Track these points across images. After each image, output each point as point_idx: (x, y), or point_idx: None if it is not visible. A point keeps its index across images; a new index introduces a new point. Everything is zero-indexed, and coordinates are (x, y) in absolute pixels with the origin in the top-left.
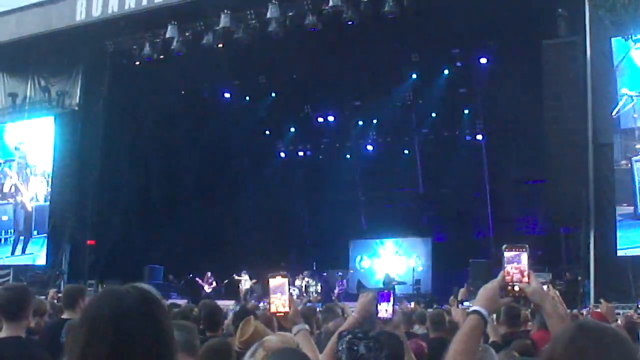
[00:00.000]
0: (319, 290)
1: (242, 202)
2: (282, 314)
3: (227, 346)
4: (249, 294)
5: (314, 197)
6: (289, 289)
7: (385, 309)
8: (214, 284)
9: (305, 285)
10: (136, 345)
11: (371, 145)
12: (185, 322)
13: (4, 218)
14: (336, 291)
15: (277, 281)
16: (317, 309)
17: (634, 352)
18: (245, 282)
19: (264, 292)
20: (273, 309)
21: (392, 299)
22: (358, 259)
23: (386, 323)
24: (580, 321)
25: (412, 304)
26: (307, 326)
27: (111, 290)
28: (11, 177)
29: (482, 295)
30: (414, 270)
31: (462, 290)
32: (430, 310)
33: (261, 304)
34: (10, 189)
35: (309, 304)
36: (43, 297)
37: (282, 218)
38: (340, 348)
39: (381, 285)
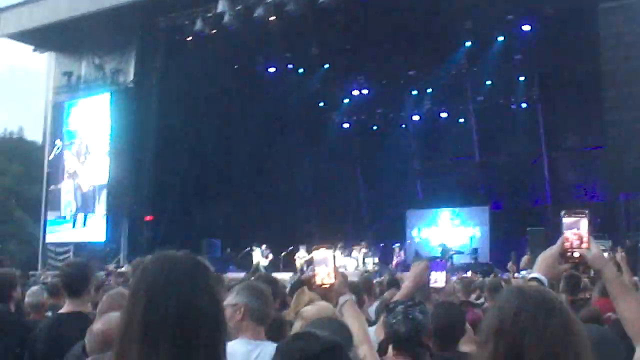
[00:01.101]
0: (376, 262)
1: (297, 175)
2: (328, 286)
3: (280, 319)
4: (305, 266)
5: (369, 167)
6: (335, 260)
7: (437, 278)
8: (270, 256)
9: (363, 257)
10: (199, 309)
11: (426, 114)
12: (263, 287)
13: (68, 197)
14: (394, 262)
15: (321, 253)
16: (374, 281)
17: (575, 317)
18: (301, 256)
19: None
20: (318, 281)
21: (445, 267)
22: (415, 229)
23: (439, 292)
24: (521, 289)
25: (469, 272)
26: (353, 296)
27: (165, 256)
28: (71, 158)
29: (541, 262)
30: (471, 239)
31: (524, 258)
32: (488, 278)
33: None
34: (70, 169)
35: (366, 275)
36: (103, 272)
37: (337, 190)
38: (394, 320)
39: (439, 256)
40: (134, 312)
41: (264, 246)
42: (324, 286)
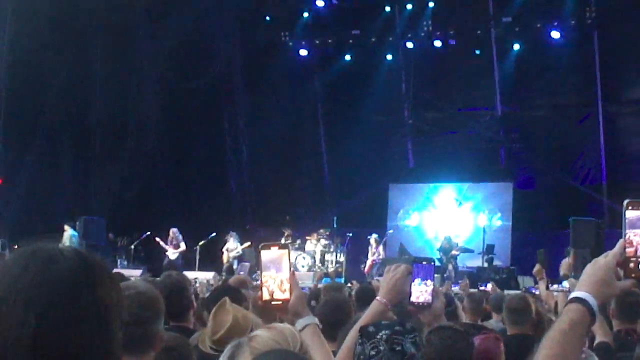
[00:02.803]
0: (342, 260)
1: (228, 129)
2: (280, 303)
3: (184, 347)
4: (236, 264)
5: (336, 119)
6: (292, 261)
7: (422, 290)
8: (182, 246)
9: (322, 252)
10: (68, 335)
11: (424, 40)
12: (150, 293)
13: None
14: (368, 261)
15: (271, 254)
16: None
17: None
18: (231, 248)
19: (258, 261)
20: (266, 295)
21: (432, 275)
22: (401, 212)
23: (422, 311)
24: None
25: (489, 285)
26: (316, 319)
27: (33, 251)
28: None
29: (589, 275)
30: (484, 231)
31: (564, 262)
32: (508, 292)
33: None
34: None
35: (325, 281)
36: None
37: (288, 152)
38: (374, 352)
39: (437, 254)
40: None
41: (174, 231)
42: (274, 303)
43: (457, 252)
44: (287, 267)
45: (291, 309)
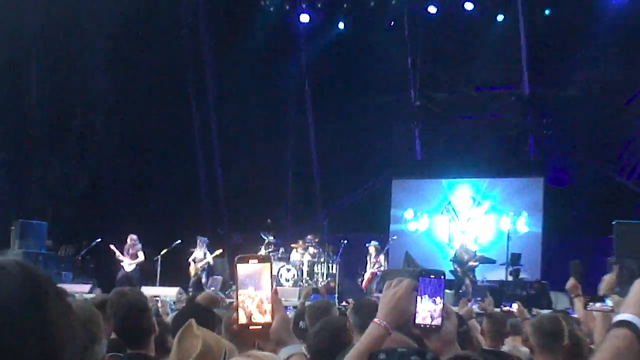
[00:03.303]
0: (334, 272)
1: (194, 110)
2: (259, 327)
3: None
4: (205, 278)
5: (327, 101)
6: (274, 275)
7: (430, 309)
8: (141, 256)
9: (310, 263)
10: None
11: (436, 4)
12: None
13: None
14: (366, 274)
15: (249, 268)
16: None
17: None
18: (199, 258)
19: (233, 276)
20: (242, 317)
21: (441, 292)
22: (407, 214)
23: (430, 335)
24: None
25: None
26: (303, 347)
27: None
28: None
29: (638, 293)
30: (509, 237)
31: (606, 278)
32: (538, 312)
33: (231, 293)
34: None
35: (314, 298)
36: None
37: (267, 140)
38: None
39: (451, 265)
40: None
41: (133, 237)
42: (253, 328)
43: (475, 263)
44: (268, 284)
45: (273, 334)
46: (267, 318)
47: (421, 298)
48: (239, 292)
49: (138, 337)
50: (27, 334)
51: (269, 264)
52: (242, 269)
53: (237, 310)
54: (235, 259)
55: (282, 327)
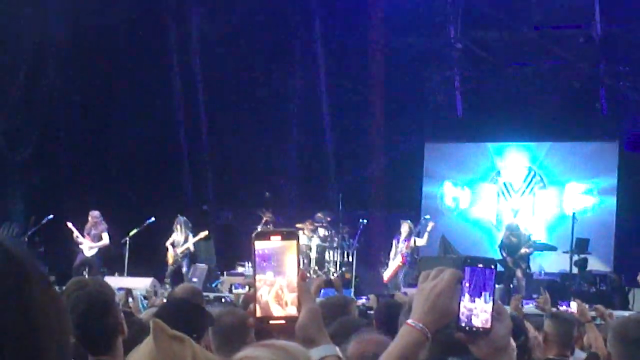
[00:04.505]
0: (350, 260)
1: (175, 55)
2: (282, 321)
3: None
4: (186, 265)
5: (343, 43)
6: (300, 259)
7: (477, 308)
8: (105, 238)
9: (320, 249)
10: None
11: None
12: None
13: None
14: (392, 262)
15: (270, 247)
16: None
17: None
18: (179, 241)
19: (226, 264)
20: (259, 311)
21: (492, 286)
22: (446, 188)
23: (477, 339)
24: None
25: (573, 304)
26: (337, 349)
27: None
28: None
29: None
30: (574, 217)
31: None
32: (612, 314)
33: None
34: None
35: (326, 293)
36: None
37: (267, 92)
38: None
39: (499, 253)
40: None
41: (95, 215)
42: (274, 322)
43: (529, 250)
44: (293, 268)
45: (300, 331)
46: (292, 310)
47: (466, 293)
48: (257, 277)
49: (101, 341)
50: (8, 327)
51: (295, 242)
52: (261, 248)
53: (255, 300)
54: (253, 235)
55: (311, 321)
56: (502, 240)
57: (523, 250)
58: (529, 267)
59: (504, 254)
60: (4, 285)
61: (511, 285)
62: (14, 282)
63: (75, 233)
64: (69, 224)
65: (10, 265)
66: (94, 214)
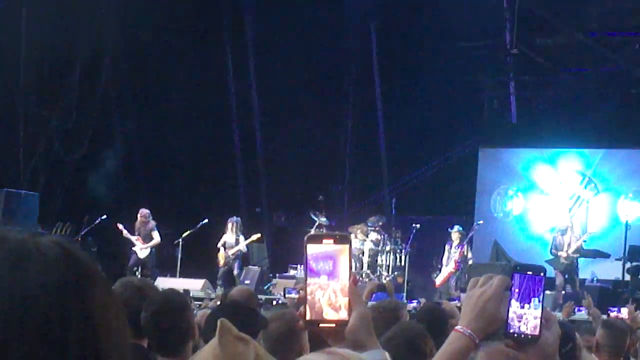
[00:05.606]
0: (403, 264)
1: (231, 64)
2: (332, 325)
3: None
4: (237, 267)
5: (398, 48)
6: (352, 263)
7: (527, 315)
8: (156, 238)
9: (372, 253)
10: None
11: None
12: None
13: None
14: (445, 268)
15: (322, 250)
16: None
17: None
18: (231, 243)
19: (279, 267)
20: (310, 314)
21: (540, 293)
22: (497, 193)
23: (524, 347)
24: None
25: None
26: (386, 354)
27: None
28: None
29: None
30: (627, 225)
31: None
32: None
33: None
34: None
35: (378, 297)
36: None
37: (322, 97)
38: None
39: (549, 256)
40: None
41: (144, 213)
42: (324, 326)
43: (579, 244)
44: (345, 272)
45: (349, 335)
46: (343, 315)
47: (515, 300)
48: (308, 280)
49: (173, 344)
50: (70, 332)
51: (347, 246)
52: (314, 252)
53: (305, 304)
54: (305, 238)
55: (362, 326)
56: (554, 245)
57: (574, 245)
58: (577, 273)
59: (556, 260)
60: (67, 287)
61: (564, 292)
62: (76, 284)
63: (127, 234)
64: (119, 225)
65: (72, 267)
66: (144, 212)
